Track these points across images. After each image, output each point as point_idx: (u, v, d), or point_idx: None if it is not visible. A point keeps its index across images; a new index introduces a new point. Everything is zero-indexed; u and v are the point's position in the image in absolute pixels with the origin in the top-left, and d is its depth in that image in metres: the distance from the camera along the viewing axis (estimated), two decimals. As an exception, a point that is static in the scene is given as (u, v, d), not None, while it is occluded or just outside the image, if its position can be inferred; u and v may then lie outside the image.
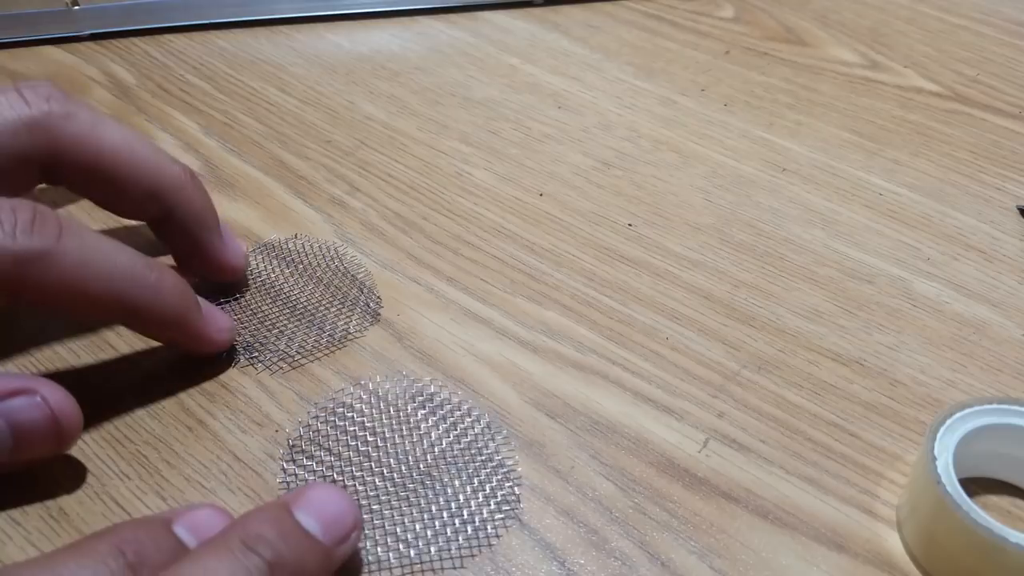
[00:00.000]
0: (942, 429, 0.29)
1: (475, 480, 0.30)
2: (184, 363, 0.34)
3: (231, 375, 0.34)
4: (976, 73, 0.54)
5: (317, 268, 0.38)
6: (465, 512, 0.30)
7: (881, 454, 0.32)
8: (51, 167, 0.31)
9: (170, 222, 0.34)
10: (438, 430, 0.32)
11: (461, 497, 0.30)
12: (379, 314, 0.36)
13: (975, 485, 0.30)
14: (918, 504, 0.28)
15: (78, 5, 0.53)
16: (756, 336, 0.36)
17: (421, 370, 0.34)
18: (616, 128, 0.48)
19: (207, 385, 0.33)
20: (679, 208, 0.43)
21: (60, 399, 0.28)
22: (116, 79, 0.51)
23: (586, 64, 0.53)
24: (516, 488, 0.30)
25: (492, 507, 0.30)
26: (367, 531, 0.29)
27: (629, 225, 0.42)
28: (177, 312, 0.31)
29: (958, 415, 0.29)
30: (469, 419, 0.32)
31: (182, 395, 0.33)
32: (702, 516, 0.30)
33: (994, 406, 0.30)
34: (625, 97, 0.51)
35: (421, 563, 0.28)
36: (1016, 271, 0.40)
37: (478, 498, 0.30)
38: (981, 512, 0.26)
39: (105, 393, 0.33)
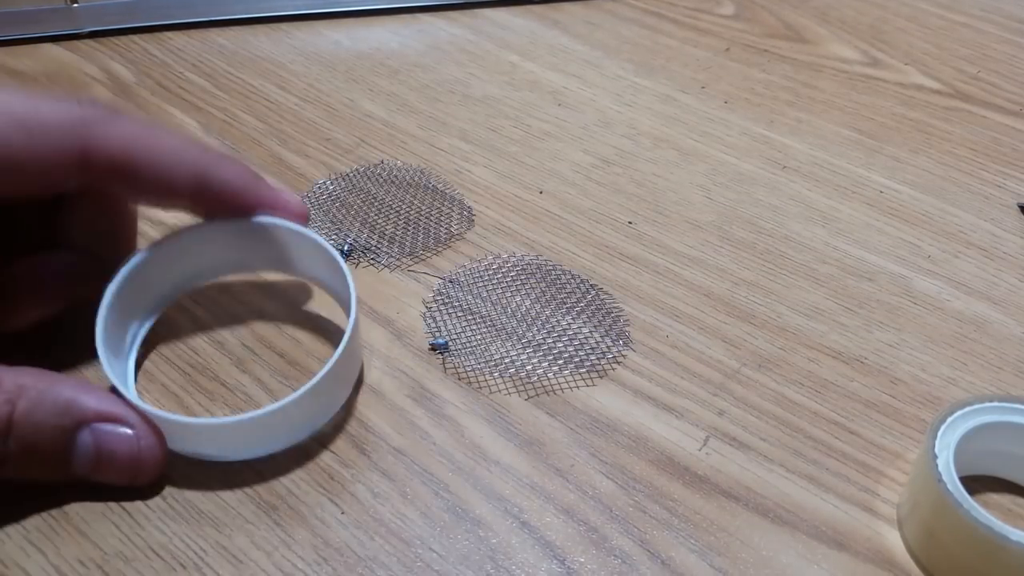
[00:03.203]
0: (943, 427, 0.29)
1: (591, 321, 0.35)
2: (183, 363, 0.34)
3: (230, 373, 0.34)
4: (977, 70, 0.54)
5: (411, 185, 0.43)
6: (588, 344, 0.34)
7: (882, 452, 0.32)
8: (86, 160, 0.30)
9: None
10: (540, 288, 0.36)
11: (583, 332, 0.35)
12: (473, 219, 0.41)
13: (976, 483, 0.30)
14: (919, 502, 0.28)
15: (77, 3, 0.53)
16: (756, 334, 0.36)
17: (421, 368, 0.34)
18: (616, 125, 0.48)
19: (206, 384, 0.33)
20: (679, 206, 0.43)
21: (150, 442, 0.29)
22: (115, 77, 0.50)
23: (586, 61, 0.53)
24: (627, 328, 0.35)
25: (609, 341, 0.35)
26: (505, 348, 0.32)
27: (629, 223, 0.41)
28: (248, 173, 0.32)
29: (959, 413, 0.29)
30: (568, 276, 0.37)
31: (182, 394, 0.33)
32: (702, 514, 0.30)
33: (995, 404, 0.29)
34: (625, 94, 0.51)
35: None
36: (1017, 269, 0.40)
37: (596, 334, 0.35)
38: (982, 510, 0.26)
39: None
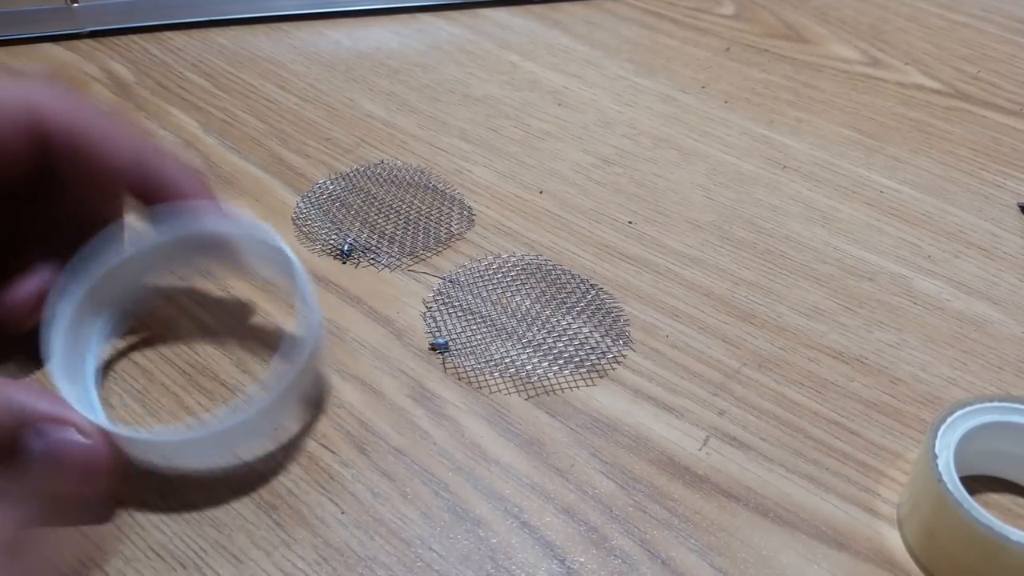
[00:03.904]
0: (943, 427, 0.29)
1: (592, 320, 0.35)
2: (183, 363, 0.34)
3: (231, 373, 0.34)
4: (977, 70, 0.54)
5: (411, 185, 0.43)
6: (588, 343, 0.34)
7: (882, 452, 0.32)
8: (38, 134, 0.31)
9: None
10: (540, 288, 0.36)
11: (583, 332, 0.35)
12: (473, 219, 0.41)
13: (976, 483, 0.30)
14: (919, 502, 0.28)
15: (77, 3, 0.53)
16: (756, 334, 0.36)
17: (422, 368, 0.34)
18: (616, 125, 0.48)
19: (206, 384, 0.33)
20: (679, 205, 0.43)
21: (102, 450, 0.27)
22: (115, 76, 0.50)
23: (586, 61, 0.53)
24: (627, 328, 0.35)
25: (609, 341, 0.35)
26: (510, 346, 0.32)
27: (629, 222, 0.41)
28: (180, 163, 0.33)
29: (959, 413, 0.29)
30: (568, 276, 0.37)
31: (182, 394, 0.33)
32: (702, 514, 0.30)
33: (995, 404, 0.29)
34: (625, 94, 0.51)
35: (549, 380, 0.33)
36: (1017, 268, 0.40)
37: (596, 334, 0.35)
38: (982, 510, 0.26)
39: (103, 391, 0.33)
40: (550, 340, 0.35)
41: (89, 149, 0.31)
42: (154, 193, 0.33)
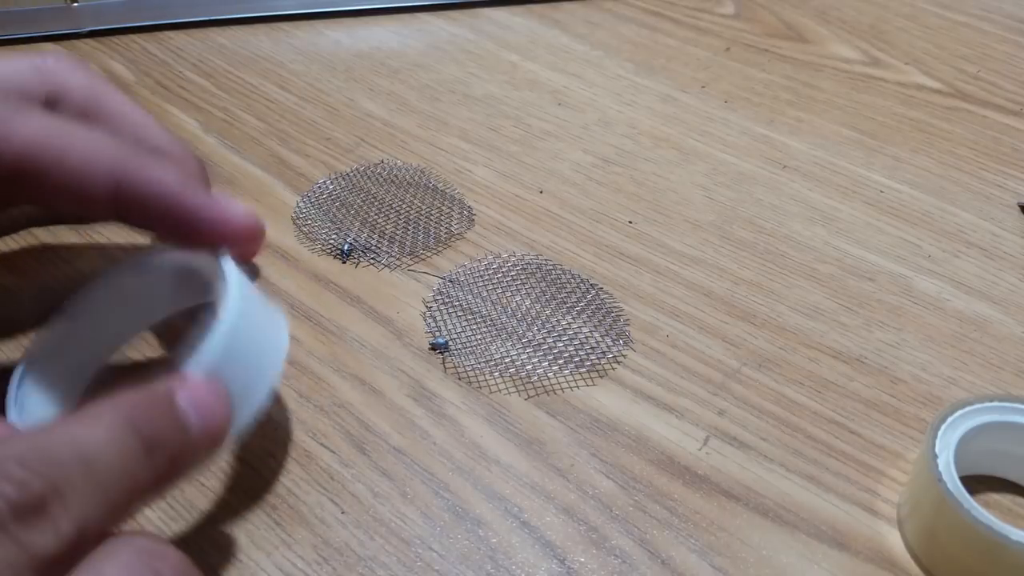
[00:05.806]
0: (943, 427, 0.29)
1: (592, 320, 0.35)
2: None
3: (230, 373, 0.34)
4: (977, 70, 0.54)
5: (411, 185, 0.43)
6: (588, 343, 0.35)
7: (882, 452, 0.32)
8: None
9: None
10: (540, 288, 0.37)
11: (583, 332, 0.35)
12: (473, 219, 0.41)
13: (976, 483, 0.30)
14: (919, 502, 0.28)
15: (77, 2, 0.53)
16: (756, 333, 0.36)
17: (421, 368, 0.34)
18: (616, 125, 0.48)
19: (206, 383, 0.33)
20: (679, 205, 0.43)
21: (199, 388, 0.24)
22: (115, 76, 0.50)
23: (586, 61, 0.53)
24: (627, 327, 0.35)
25: (609, 341, 0.35)
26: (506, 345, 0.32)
27: (629, 222, 0.41)
28: (177, 175, 0.28)
29: (959, 413, 0.29)
30: (568, 276, 0.38)
31: (181, 393, 0.33)
32: (702, 514, 0.30)
33: (995, 404, 0.29)
34: (625, 94, 0.51)
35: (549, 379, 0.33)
36: (1017, 268, 0.40)
37: (596, 334, 0.35)
38: (982, 510, 0.26)
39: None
40: (550, 340, 0.35)
41: (47, 176, 0.27)
42: (141, 216, 0.28)
